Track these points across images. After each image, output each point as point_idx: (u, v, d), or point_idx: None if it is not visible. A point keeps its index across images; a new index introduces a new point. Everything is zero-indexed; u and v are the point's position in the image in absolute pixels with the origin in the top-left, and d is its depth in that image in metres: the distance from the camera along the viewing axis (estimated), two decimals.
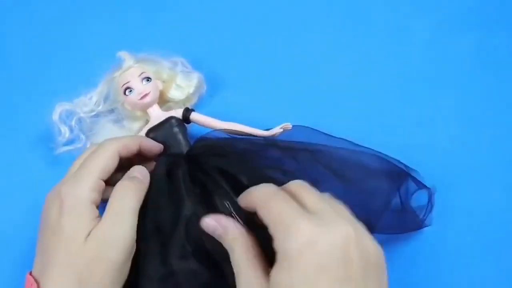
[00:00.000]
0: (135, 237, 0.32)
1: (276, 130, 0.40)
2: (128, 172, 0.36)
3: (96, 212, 0.33)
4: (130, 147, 0.36)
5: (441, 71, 0.47)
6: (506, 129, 0.44)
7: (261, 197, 0.30)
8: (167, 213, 0.35)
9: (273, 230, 0.27)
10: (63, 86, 0.45)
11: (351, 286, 0.26)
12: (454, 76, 0.47)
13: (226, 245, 0.31)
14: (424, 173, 0.40)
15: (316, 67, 0.47)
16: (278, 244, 0.27)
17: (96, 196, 0.33)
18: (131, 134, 0.43)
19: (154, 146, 0.39)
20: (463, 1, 0.50)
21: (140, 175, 0.35)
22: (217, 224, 0.31)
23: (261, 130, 0.40)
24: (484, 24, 0.49)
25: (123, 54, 0.42)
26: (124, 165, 0.37)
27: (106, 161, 0.34)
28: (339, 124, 0.40)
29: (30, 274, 0.32)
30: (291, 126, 0.40)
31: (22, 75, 0.49)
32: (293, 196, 0.29)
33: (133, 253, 0.33)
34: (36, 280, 0.31)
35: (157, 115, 0.42)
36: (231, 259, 0.30)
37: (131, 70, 0.42)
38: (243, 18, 0.50)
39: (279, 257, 0.27)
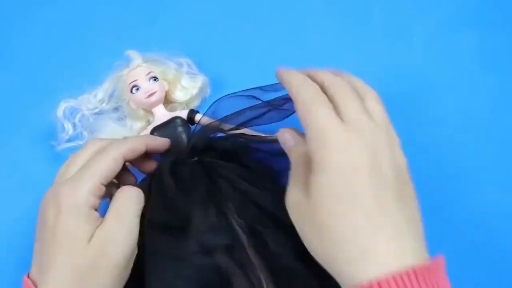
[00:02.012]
0: (137, 240, 0.32)
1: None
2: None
3: (96, 214, 0.32)
4: (137, 149, 0.36)
5: (441, 71, 0.47)
6: (506, 129, 0.45)
7: (304, 97, 0.31)
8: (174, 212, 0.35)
9: (310, 135, 0.30)
10: (66, 85, 0.45)
11: (388, 190, 0.28)
12: (455, 76, 0.47)
13: (291, 158, 0.33)
14: (424, 173, 0.40)
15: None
16: (316, 151, 0.29)
17: (95, 200, 0.32)
18: (134, 135, 0.43)
19: (161, 145, 0.39)
20: (463, 1, 0.50)
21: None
22: (292, 138, 0.34)
23: (263, 134, 0.40)
24: (484, 24, 0.49)
25: (131, 53, 0.43)
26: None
27: (109, 167, 0.33)
28: None
29: (28, 276, 0.32)
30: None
31: (26, 73, 0.48)
32: (332, 101, 0.31)
33: (135, 256, 0.32)
34: (33, 283, 0.31)
35: (161, 114, 0.42)
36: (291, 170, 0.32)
37: (139, 69, 0.42)
38: (245, 21, 0.50)
39: (316, 163, 0.29)
